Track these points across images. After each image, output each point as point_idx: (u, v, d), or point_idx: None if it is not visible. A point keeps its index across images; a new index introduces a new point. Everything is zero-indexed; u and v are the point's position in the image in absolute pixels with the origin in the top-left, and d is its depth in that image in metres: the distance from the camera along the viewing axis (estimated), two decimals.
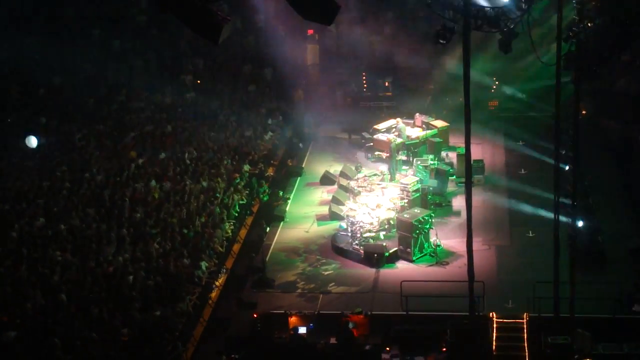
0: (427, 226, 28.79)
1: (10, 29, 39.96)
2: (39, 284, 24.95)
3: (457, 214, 31.45)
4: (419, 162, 33.18)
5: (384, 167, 34.41)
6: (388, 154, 34.48)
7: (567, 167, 27.31)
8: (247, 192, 32.28)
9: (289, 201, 33.73)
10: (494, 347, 24.40)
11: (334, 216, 31.74)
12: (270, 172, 35.28)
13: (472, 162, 23.91)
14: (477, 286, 23.79)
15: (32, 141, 27.22)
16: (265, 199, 32.99)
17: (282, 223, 32.02)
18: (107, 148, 34.31)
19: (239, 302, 27.24)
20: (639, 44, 29.51)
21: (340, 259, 29.33)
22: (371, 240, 29.34)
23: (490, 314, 25.06)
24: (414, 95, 41.27)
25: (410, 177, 31.74)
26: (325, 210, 32.48)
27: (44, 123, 35.74)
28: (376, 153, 36.12)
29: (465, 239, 23.47)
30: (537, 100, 38.23)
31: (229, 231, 29.76)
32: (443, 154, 35.43)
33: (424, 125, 36.78)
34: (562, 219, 24.46)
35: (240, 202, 31.44)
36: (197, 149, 34.42)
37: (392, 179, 32.96)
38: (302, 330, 25.69)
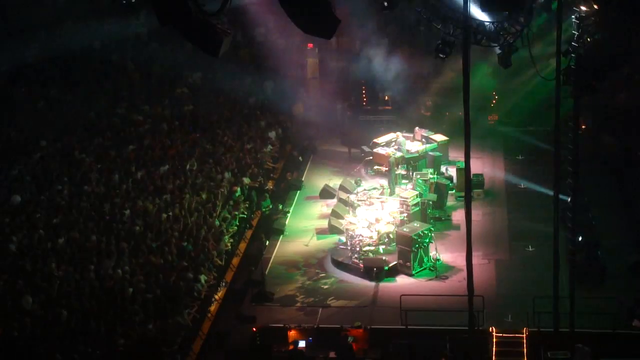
0: (427, 240, 28.77)
1: (10, 41, 40.01)
2: (38, 297, 24.92)
3: (457, 228, 31.42)
4: (418, 176, 33.17)
5: (383, 181, 34.39)
6: (387, 168, 34.47)
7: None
8: (247, 205, 32.26)
9: (289, 215, 33.72)
10: None
11: (333, 230, 31.71)
12: (270, 185, 35.29)
13: (471, 176, 23.92)
14: (476, 300, 23.74)
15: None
16: (267, 212, 33.00)
17: (281, 236, 31.99)
18: (107, 161, 34.31)
19: (238, 315, 27.20)
20: (638, 58, 29.52)
21: (340, 273, 29.30)
22: (371, 254, 29.31)
23: (490, 328, 25.02)
24: (413, 109, 41.27)
25: (409, 191, 31.74)
26: (324, 223, 32.44)
27: (45, 146, 35.74)
28: (375, 167, 36.14)
29: (464, 253, 23.44)
30: (537, 114, 38.26)
31: (229, 244, 29.74)
32: (443, 168, 35.43)
33: (423, 139, 36.79)
34: (562, 233, 24.45)
35: (240, 215, 31.43)
36: (196, 162, 34.42)
37: (391, 193, 32.93)
38: (302, 344, 25.64)
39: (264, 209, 33.01)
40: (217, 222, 29.89)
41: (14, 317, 24.04)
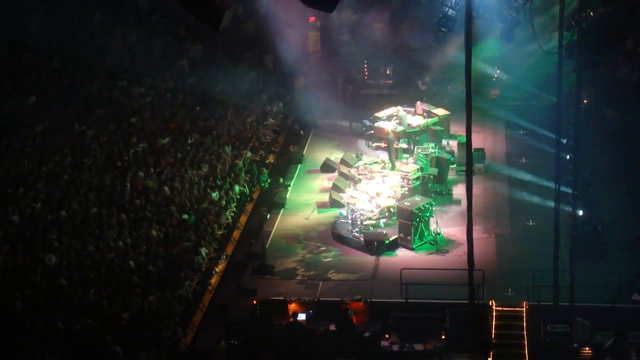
0: (428, 214, 28.79)
1: (11, 13, 39.82)
2: (39, 268, 25.00)
3: (458, 202, 31.46)
4: (419, 150, 33.14)
5: (384, 155, 34.38)
6: (386, 144, 34.43)
7: (567, 157, 27.38)
8: (248, 178, 32.27)
9: (290, 188, 33.73)
10: (493, 335, 24.40)
11: (334, 204, 31.75)
12: (271, 159, 35.27)
13: (472, 150, 23.87)
14: (476, 274, 23.63)
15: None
16: (266, 186, 33.01)
17: (282, 210, 32.02)
18: (108, 133, 34.28)
19: (238, 288, 27.28)
20: None
21: (340, 247, 29.36)
22: (371, 228, 29.34)
23: (490, 302, 25.08)
24: (414, 84, 41.17)
25: (410, 165, 31.72)
26: (325, 197, 32.48)
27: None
28: (374, 144, 36.14)
29: (465, 227, 23.40)
30: (539, 88, 38.16)
31: (229, 217, 29.77)
32: (444, 142, 35.39)
33: (425, 114, 36.71)
34: (563, 207, 24.44)
35: (241, 188, 31.44)
36: (198, 135, 34.39)
37: (392, 168, 32.92)
38: (302, 317, 25.73)
39: (263, 183, 33.01)
40: (216, 196, 29.89)
41: (16, 287, 24.12)
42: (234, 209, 30.35)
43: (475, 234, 23.47)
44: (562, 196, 24.24)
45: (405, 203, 28.84)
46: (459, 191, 31.83)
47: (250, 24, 43.72)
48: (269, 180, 33.35)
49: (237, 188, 31.08)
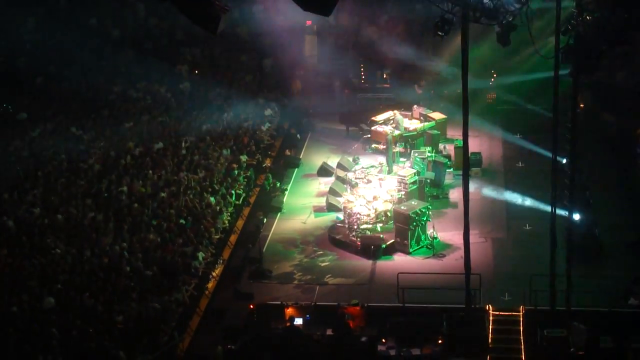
0: (424, 218, 28.78)
1: (7, 17, 39.79)
2: (36, 273, 24.95)
3: (454, 206, 31.42)
4: (416, 154, 33.12)
5: (381, 159, 34.37)
6: (385, 146, 34.43)
7: (564, 161, 27.45)
8: (245, 182, 32.25)
9: (286, 192, 33.70)
10: (490, 340, 24.42)
11: (331, 208, 31.72)
12: (268, 163, 35.26)
13: (469, 154, 23.91)
14: (473, 279, 23.81)
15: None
16: (268, 188, 33.02)
17: (279, 214, 31.99)
18: (104, 138, 34.24)
19: (235, 292, 27.24)
20: (638, 37, 29.45)
21: (337, 251, 29.33)
22: (368, 232, 29.33)
23: (487, 306, 25.07)
24: (411, 87, 41.18)
25: (407, 169, 31.71)
26: (322, 201, 32.45)
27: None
28: (373, 145, 36.12)
29: (462, 232, 23.49)
30: (535, 93, 38.19)
31: (226, 222, 29.75)
32: (441, 146, 35.38)
33: (421, 117, 36.69)
34: (559, 211, 24.46)
35: (238, 192, 31.42)
36: (194, 139, 34.37)
37: (389, 171, 32.92)
38: (299, 321, 25.70)
39: (267, 188, 33.00)
40: (213, 200, 29.87)
41: (12, 292, 24.08)
42: (231, 213, 30.33)
43: (471, 238, 23.66)
44: (558, 200, 24.26)
45: (402, 207, 28.83)
46: (456, 195, 31.81)
47: (246, 28, 43.70)
48: (271, 183, 33.34)
49: (234, 192, 31.01)
